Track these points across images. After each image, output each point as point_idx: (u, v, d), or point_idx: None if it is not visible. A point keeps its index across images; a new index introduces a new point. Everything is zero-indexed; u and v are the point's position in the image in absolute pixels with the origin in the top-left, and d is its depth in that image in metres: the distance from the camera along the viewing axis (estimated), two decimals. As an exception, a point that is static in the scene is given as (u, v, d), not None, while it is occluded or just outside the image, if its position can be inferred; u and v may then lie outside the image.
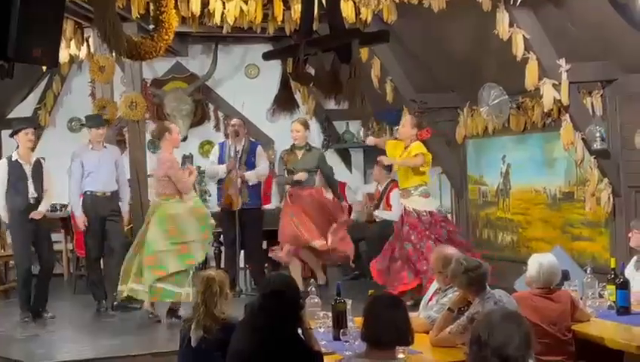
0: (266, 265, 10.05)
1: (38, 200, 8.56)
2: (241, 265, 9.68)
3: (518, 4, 7.33)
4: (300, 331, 4.49)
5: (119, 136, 10.74)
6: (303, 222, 9.11)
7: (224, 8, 8.95)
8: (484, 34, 8.26)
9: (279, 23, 9.48)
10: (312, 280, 7.95)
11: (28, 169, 8.55)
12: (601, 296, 5.77)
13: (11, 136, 8.75)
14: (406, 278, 8.37)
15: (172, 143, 8.36)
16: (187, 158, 11.70)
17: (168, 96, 11.62)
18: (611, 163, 7.96)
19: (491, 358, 3.19)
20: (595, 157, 7.97)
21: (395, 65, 9.99)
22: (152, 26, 6.53)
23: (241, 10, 8.96)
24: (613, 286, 5.66)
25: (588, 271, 5.94)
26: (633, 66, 7.61)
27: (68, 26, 9.48)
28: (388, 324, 3.93)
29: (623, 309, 5.56)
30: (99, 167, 8.90)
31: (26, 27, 4.35)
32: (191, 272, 8.02)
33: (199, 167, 10.25)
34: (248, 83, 12.12)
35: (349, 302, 5.17)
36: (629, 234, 6.54)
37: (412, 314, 4.47)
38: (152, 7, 6.40)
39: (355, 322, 5.00)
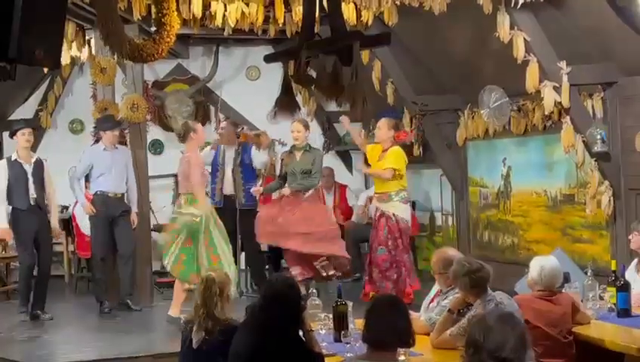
0: (267, 266, 10.06)
1: (39, 201, 8.58)
2: (242, 266, 9.68)
3: (518, 6, 7.34)
4: (301, 333, 4.49)
5: (120, 137, 10.74)
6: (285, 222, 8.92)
7: (225, 10, 8.95)
8: (484, 36, 8.26)
9: (280, 25, 9.48)
10: (313, 281, 7.98)
11: (28, 168, 8.58)
12: (601, 298, 5.78)
13: (10, 136, 8.80)
14: (388, 288, 8.44)
15: (197, 142, 8.45)
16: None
17: (169, 97, 11.63)
18: (612, 165, 7.97)
19: (487, 361, 3.19)
20: (595, 160, 7.98)
21: (396, 68, 10.00)
22: (153, 28, 6.53)
23: (243, 12, 8.96)
24: (614, 289, 5.67)
25: (588, 274, 5.93)
26: (634, 69, 7.62)
27: (69, 28, 9.48)
28: (389, 326, 3.93)
29: (623, 311, 5.56)
30: (111, 167, 8.96)
31: (28, 28, 4.35)
32: None
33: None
34: (249, 85, 12.13)
35: (350, 303, 5.18)
36: (630, 237, 6.54)
37: (413, 316, 4.48)
38: (153, 9, 6.38)
39: (356, 324, 5.00)
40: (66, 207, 10.70)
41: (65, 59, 9.71)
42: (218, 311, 4.92)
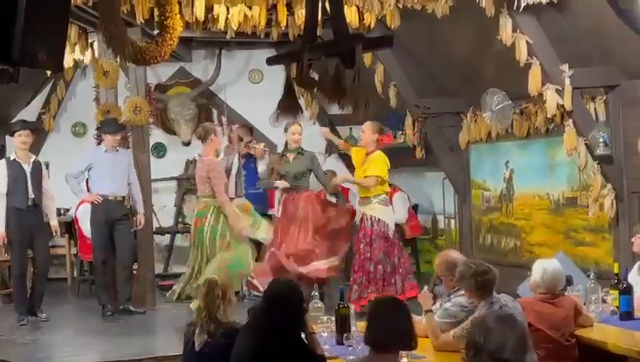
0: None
1: (37, 201, 8.59)
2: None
3: (521, 9, 7.34)
4: (303, 335, 4.49)
5: (122, 140, 10.75)
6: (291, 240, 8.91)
7: (228, 13, 8.94)
8: (487, 39, 8.27)
9: (283, 29, 9.48)
10: (316, 284, 7.96)
11: (27, 168, 8.60)
12: (604, 301, 5.78)
13: (11, 135, 8.83)
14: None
15: (215, 145, 8.51)
16: (191, 163, 11.81)
17: (172, 100, 11.63)
18: (614, 168, 7.96)
19: None
20: (598, 163, 7.97)
21: (398, 71, 10.01)
22: (156, 31, 6.54)
23: (245, 16, 8.96)
24: (617, 292, 5.67)
25: (591, 277, 5.93)
26: (636, 72, 7.62)
27: (72, 31, 9.48)
28: (391, 328, 3.93)
29: (626, 314, 5.56)
30: (111, 170, 8.96)
31: (31, 31, 4.36)
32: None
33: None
34: (252, 88, 12.13)
35: (352, 306, 5.18)
36: (632, 239, 6.53)
37: (416, 319, 4.48)
38: (156, 12, 6.39)
39: (358, 326, 5.00)
40: (68, 210, 10.71)
41: (68, 62, 9.73)
42: (221, 314, 4.92)
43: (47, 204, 8.80)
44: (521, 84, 7.87)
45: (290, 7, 8.94)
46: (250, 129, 10.82)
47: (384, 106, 10.19)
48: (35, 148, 9.25)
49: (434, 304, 5.21)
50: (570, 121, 7.96)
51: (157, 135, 11.83)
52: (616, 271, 5.83)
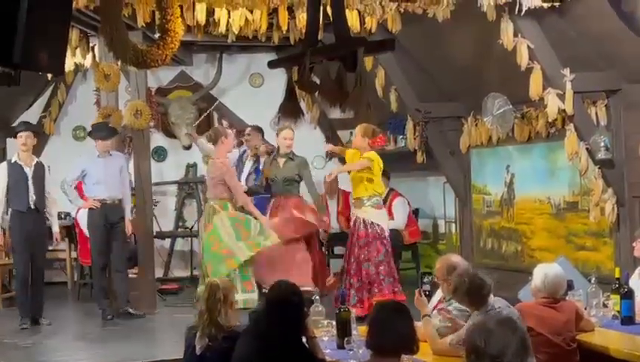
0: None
1: (38, 203, 8.59)
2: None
3: (522, 13, 7.34)
4: (304, 339, 4.48)
5: (119, 144, 10.74)
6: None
7: (229, 17, 8.95)
8: (488, 43, 8.27)
9: (284, 32, 9.48)
10: (316, 288, 7.95)
11: (29, 171, 8.60)
12: (605, 305, 5.77)
13: (14, 137, 8.85)
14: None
15: (226, 148, 8.53)
16: (191, 167, 11.82)
17: (173, 104, 11.63)
18: (615, 173, 7.96)
19: None
20: (599, 167, 7.97)
21: (399, 75, 10.01)
22: (157, 35, 6.54)
23: (246, 19, 8.96)
24: (618, 296, 5.65)
25: (592, 281, 5.92)
26: (638, 76, 7.62)
27: (73, 35, 9.47)
28: (392, 332, 3.92)
29: (627, 319, 5.55)
30: (106, 175, 8.96)
31: (33, 35, 4.36)
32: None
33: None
34: (253, 92, 12.14)
35: (353, 310, 5.17)
36: (634, 244, 6.52)
37: (417, 324, 4.46)
38: (157, 15, 6.40)
39: (359, 330, 4.99)
40: (68, 214, 10.70)
41: (69, 66, 9.73)
42: (222, 318, 4.90)
43: (49, 207, 8.80)
44: (522, 88, 7.87)
45: (291, 11, 8.94)
46: (261, 129, 10.63)
47: (385, 110, 10.19)
48: (36, 151, 9.24)
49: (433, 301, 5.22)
50: (572, 125, 7.96)
51: (158, 139, 11.84)
52: (617, 275, 5.82)
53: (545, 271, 5.37)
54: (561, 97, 7.74)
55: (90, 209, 8.98)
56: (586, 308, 5.66)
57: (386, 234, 8.52)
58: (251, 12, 8.93)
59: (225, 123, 12.05)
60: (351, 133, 12.07)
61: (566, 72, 7.71)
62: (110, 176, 8.98)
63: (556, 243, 8.90)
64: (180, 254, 11.70)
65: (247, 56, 12.07)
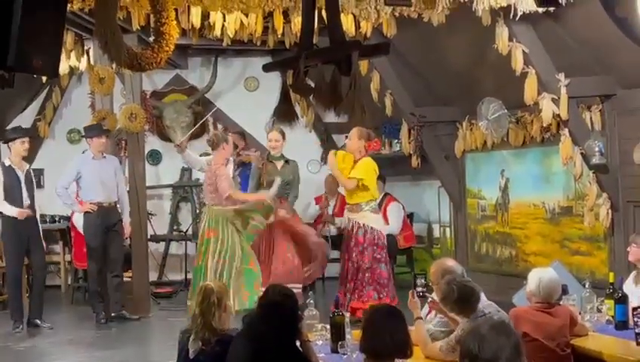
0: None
1: (31, 208, 8.58)
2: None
3: (517, 18, 7.35)
4: (298, 343, 4.47)
5: (113, 146, 10.73)
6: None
7: (224, 21, 8.95)
8: (483, 48, 8.28)
9: (279, 36, 9.49)
10: (311, 292, 7.95)
11: (21, 175, 8.60)
12: (599, 310, 5.76)
13: (5, 142, 8.79)
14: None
15: (225, 154, 8.52)
16: (186, 171, 11.81)
17: (168, 108, 11.63)
18: (610, 177, 7.97)
19: None
20: (593, 172, 7.98)
21: (394, 79, 10.01)
22: (152, 38, 6.53)
23: (242, 23, 8.95)
24: (612, 301, 5.65)
25: (586, 286, 5.92)
26: (632, 81, 7.63)
27: (68, 38, 9.48)
28: (386, 335, 3.91)
29: (621, 324, 5.54)
30: (100, 177, 8.94)
31: (27, 37, 4.36)
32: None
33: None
34: (248, 96, 12.13)
35: (347, 314, 5.16)
36: (628, 249, 6.52)
37: (411, 329, 4.44)
38: (152, 18, 6.39)
39: (352, 334, 4.99)
40: (63, 217, 10.69)
41: (63, 69, 9.71)
42: (216, 322, 4.88)
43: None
44: (517, 93, 7.88)
45: (286, 15, 8.93)
46: (243, 135, 10.74)
47: (380, 114, 10.19)
48: (31, 154, 9.23)
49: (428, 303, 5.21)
50: (566, 130, 7.97)
51: (152, 142, 11.82)
52: (611, 280, 5.82)
53: (539, 276, 5.36)
54: (556, 102, 7.76)
55: (86, 212, 8.96)
56: (580, 313, 5.65)
57: (383, 240, 8.53)
58: (246, 16, 8.92)
59: (220, 126, 12.04)
60: (346, 136, 12.13)
61: (561, 76, 7.72)
62: (105, 179, 8.98)
63: (551, 247, 8.91)
64: (175, 258, 11.68)
65: (243, 60, 12.07)
